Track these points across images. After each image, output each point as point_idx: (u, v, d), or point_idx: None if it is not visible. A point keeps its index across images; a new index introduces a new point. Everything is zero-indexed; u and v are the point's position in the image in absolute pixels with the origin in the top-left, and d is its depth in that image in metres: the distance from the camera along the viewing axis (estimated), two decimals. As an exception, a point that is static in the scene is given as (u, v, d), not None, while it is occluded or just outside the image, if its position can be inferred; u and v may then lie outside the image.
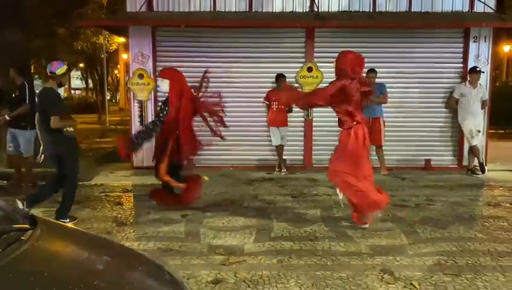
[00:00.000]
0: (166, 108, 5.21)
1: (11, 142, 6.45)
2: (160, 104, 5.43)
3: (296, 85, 7.91)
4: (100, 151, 10.05)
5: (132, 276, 1.82)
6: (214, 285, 3.32)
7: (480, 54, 7.98)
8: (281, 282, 3.39)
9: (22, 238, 1.71)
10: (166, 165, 5.23)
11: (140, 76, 7.95)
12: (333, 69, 4.83)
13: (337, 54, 4.84)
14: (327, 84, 5.02)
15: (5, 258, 1.53)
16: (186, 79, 5.42)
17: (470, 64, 7.84)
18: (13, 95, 6.43)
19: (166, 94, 5.32)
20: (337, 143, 4.87)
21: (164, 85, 5.30)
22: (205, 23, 7.85)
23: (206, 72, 5.56)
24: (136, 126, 8.04)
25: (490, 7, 8.01)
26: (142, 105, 8.01)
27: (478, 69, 7.55)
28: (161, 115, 5.26)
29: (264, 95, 7.81)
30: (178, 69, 5.55)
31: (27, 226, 1.82)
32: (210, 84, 5.52)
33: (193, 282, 3.36)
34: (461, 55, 8.07)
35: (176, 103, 5.16)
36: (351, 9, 8.04)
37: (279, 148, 7.85)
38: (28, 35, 8.76)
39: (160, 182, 5.49)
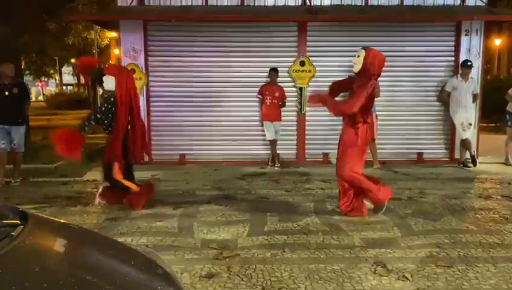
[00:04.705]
0: (112, 107, 5.01)
1: (4, 139, 6.39)
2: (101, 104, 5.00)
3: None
4: (92, 147, 9.97)
5: (124, 271, 1.81)
6: (207, 279, 3.32)
7: (472, 47, 8.02)
8: (274, 275, 3.39)
9: (12, 234, 1.69)
10: (121, 164, 5.12)
11: (132, 71, 7.87)
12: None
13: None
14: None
15: (-5, 254, 1.51)
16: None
17: (462, 58, 7.89)
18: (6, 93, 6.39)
19: (109, 93, 5.09)
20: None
21: (110, 82, 5.03)
22: (197, 17, 7.79)
23: None
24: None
25: (482, 0, 8.04)
26: (134, 100, 7.95)
27: (470, 63, 7.59)
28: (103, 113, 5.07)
29: (257, 89, 7.81)
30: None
31: (17, 221, 1.80)
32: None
33: (186, 276, 3.35)
34: (453, 48, 8.11)
35: (126, 102, 5.00)
36: (343, 3, 8.03)
37: (273, 143, 7.85)
38: (17, 30, 8.64)
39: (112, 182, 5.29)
